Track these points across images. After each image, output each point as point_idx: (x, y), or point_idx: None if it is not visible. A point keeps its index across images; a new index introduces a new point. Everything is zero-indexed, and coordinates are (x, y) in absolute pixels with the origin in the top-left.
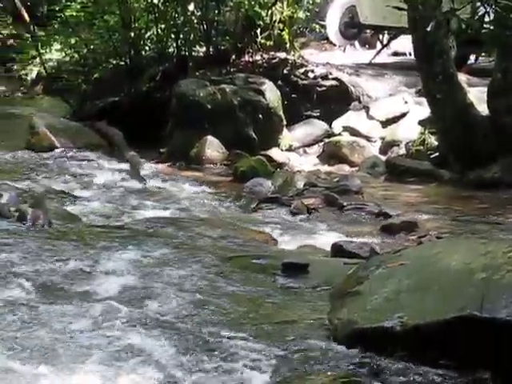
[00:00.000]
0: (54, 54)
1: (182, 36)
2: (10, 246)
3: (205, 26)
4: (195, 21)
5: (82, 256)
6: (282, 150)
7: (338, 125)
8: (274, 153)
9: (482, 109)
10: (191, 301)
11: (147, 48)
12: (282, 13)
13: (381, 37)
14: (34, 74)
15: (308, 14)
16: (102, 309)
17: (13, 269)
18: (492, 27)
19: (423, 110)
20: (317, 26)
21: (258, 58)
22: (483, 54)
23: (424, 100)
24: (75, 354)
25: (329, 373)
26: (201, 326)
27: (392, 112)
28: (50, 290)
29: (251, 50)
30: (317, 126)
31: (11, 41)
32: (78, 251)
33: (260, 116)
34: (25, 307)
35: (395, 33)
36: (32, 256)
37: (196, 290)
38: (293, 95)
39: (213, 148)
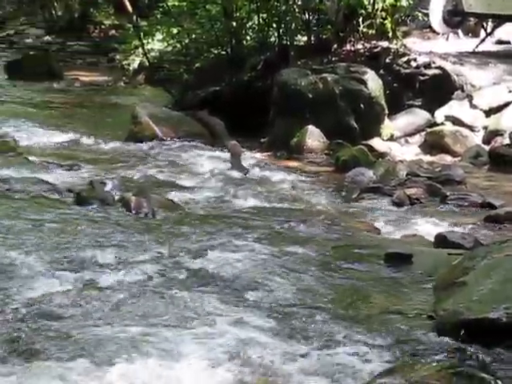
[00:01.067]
0: (156, 43)
1: (283, 25)
2: (114, 234)
3: (306, 15)
4: (297, 10)
5: (184, 245)
6: (383, 140)
7: (440, 114)
8: (376, 142)
9: None
10: (295, 290)
11: (248, 37)
12: (385, 1)
13: (485, 25)
14: (136, 64)
15: (411, 2)
16: (204, 297)
17: (117, 257)
18: None
19: None
20: (419, 15)
21: (359, 46)
22: None
23: None
24: (190, 340)
25: (434, 363)
26: (304, 314)
27: (496, 101)
28: (156, 278)
29: (353, 39)
30: (419, 116)
31: (113, 31)
32: (181, 240)
33: (361, 105)
34: (138, 295)
35: (499, 21)
36: (136, 244)
37: (299, 280)
38: (395, 84)
39: (313, 137)
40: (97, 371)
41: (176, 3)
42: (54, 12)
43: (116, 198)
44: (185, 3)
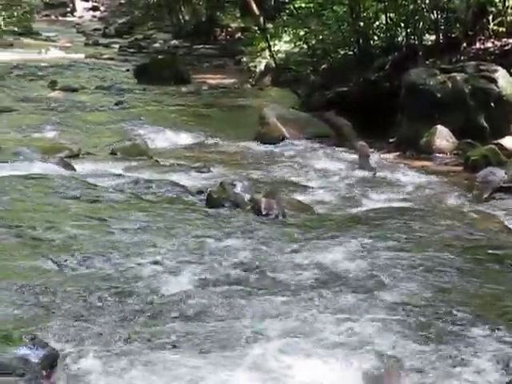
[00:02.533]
0: (283, 45)
1: (411, 24)
2: (245, 236)
3: (435, 14)
4: (425, 9)
5: (315, 245)
6: None
7: None
8: (507, 141)
9: None
10: (424, 291)
11: (376, 37)
12: None
13: None
14: (262, 66)
15: None
16: (339, 295)
17: (249, 258)
18: None
19: None
20: None
21: (489, 45)
22: None
23: None
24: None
25: None
26: (436, 316)
27: None
28: (290, 278)
29: (482, 37)
30: None
31: (239, 34)
32: (313, 241)
33: (491, 104)
34: (272, 292)
35: None
36: (268, 245)
37: (433, 281)
38: None
39: (442, 137)
40: (229, 364)
41: (303, 5)
42: (181, 16)
43: (246, 199)
44: (312, 4)
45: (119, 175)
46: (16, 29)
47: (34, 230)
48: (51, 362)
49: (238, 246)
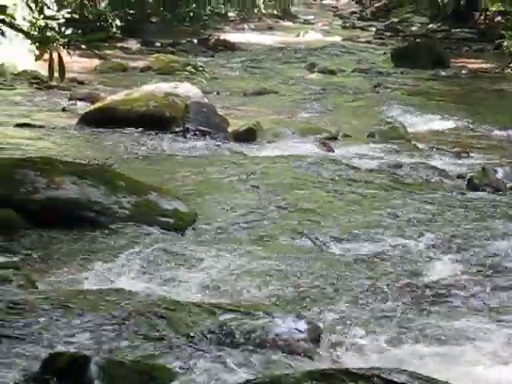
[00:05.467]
0: None
1: None
2: (504, 223)
3: None
4: None
5: None
6: None
7: None
8: None
9: None
10: None
11: None
12: None
13: None
14: None
15: None
16: None
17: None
18: None
19: None
20: None
21: None
22: None
23: None
24: None
25: None
26: None
27: None
28: None
29: None
30: None
31: (499, 18)
32: None
33: None
34: None
35: None
36: None
37: None
38: None
39: None
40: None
41: None
42: (439, 0)
43: (508, 185)
44: None
45: (377, 158)
46: (275, 12)
47: (300, 209)
48: (315, 336)
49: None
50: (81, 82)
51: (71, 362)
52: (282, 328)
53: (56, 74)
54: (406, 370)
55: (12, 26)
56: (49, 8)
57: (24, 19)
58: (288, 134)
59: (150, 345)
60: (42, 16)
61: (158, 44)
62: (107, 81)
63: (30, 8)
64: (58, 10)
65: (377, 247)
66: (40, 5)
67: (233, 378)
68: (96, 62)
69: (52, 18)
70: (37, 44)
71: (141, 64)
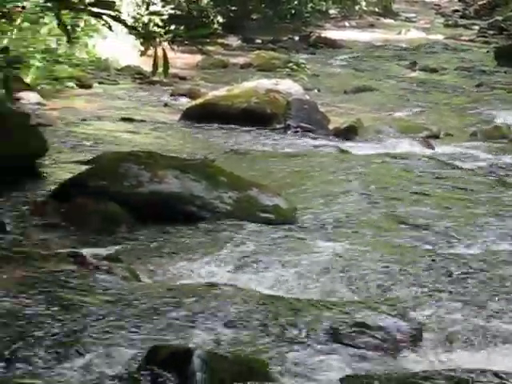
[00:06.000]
0: None
1: None
2: None
3: None
4: None
5: None
6: None
7: None
8: None
9: None
10: None
11: None
12: None
13: None
14: None
15: None
16: None
17: None
18: None
19: None
20: None
21: None
22: None
23: None
24: None
25: None
26: None
27: None
28: None
29: None
30: None
31: None
32: None
33: None
34: None
35: None
36: None
37: None
38: None
39: None
40: None
41: None
42: None
43: None
44: None
45: (481, 158)
46: (376, 9)
47: (399, 207)
48: (415, 336)
49: None
50: (182, 78)
51: (174, 355)
52: (385, 325)
53: (160, 70)
54: None
55: (120, 20)
56: (154, 4)
57: (128, 15)
58: (389, 131)
59: (250, 338)
60: (147, 12)
61: (259, 41)
62: (208, 77)
63: (137, 4)
64: (163, 6)
65: (486, 248)
66: (147, 0)
67: (332, 373)
68: (198, 58)
69: (156, 13)
70: (141, 39)
71: (241, 61)
